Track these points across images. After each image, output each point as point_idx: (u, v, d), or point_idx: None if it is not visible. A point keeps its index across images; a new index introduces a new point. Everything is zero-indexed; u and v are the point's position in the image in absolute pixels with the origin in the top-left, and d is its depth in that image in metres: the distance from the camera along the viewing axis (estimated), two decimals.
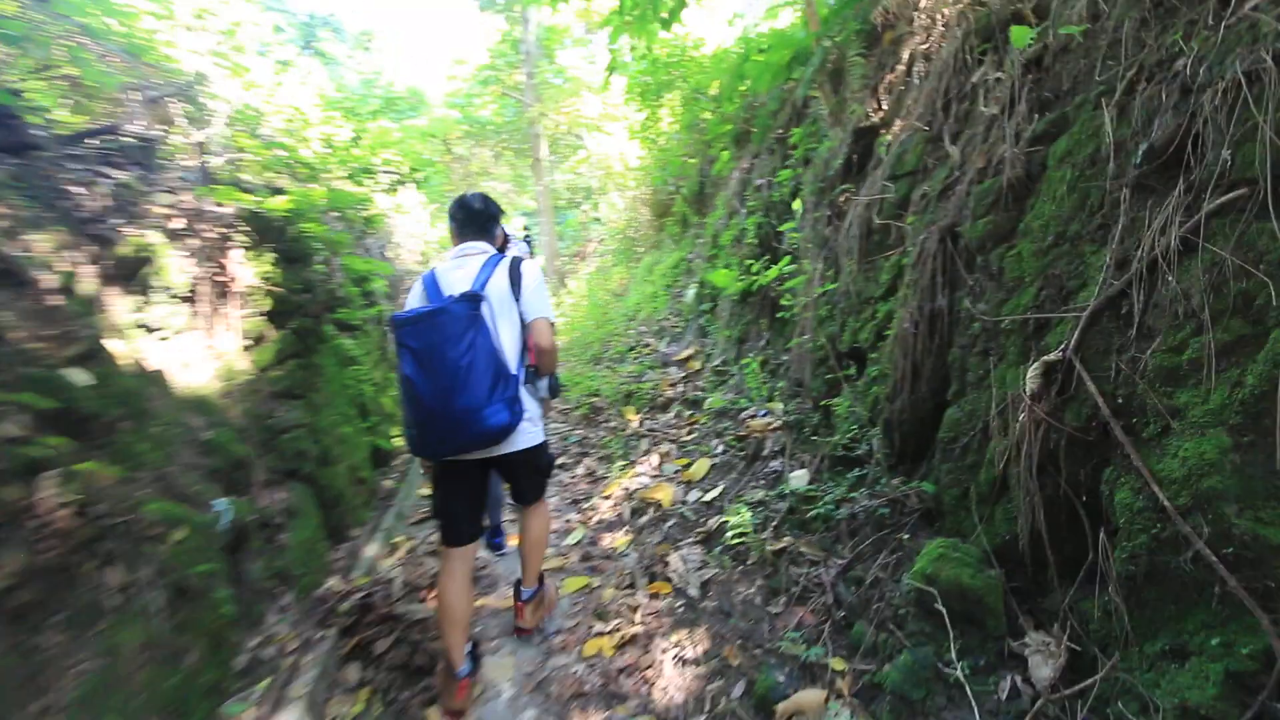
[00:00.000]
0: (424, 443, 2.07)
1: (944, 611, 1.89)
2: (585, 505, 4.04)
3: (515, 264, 2.27)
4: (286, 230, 3.44)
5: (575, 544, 3.56)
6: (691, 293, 6.00)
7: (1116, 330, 1.70)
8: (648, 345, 6.40)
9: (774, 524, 2.86)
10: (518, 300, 2.22)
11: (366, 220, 4.00)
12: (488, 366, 2.01)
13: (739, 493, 3.33)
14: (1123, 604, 1.56)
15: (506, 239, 3.26)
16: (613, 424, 5.22)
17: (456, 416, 1.98)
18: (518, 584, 2.57)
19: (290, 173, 3.67)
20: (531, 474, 2.41)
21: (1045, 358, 1.84)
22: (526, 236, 4.96)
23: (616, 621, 2.74)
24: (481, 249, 2.32)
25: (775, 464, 3.34)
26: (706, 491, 3.49)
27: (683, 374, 5.36)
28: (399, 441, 5.06)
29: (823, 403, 3.17)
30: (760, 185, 4.88)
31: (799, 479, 3.00)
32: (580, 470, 4.65)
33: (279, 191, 3.54)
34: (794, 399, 3.54)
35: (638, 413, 5.08)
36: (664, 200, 9.01)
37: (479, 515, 2.40)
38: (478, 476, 2.27)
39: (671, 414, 4.78)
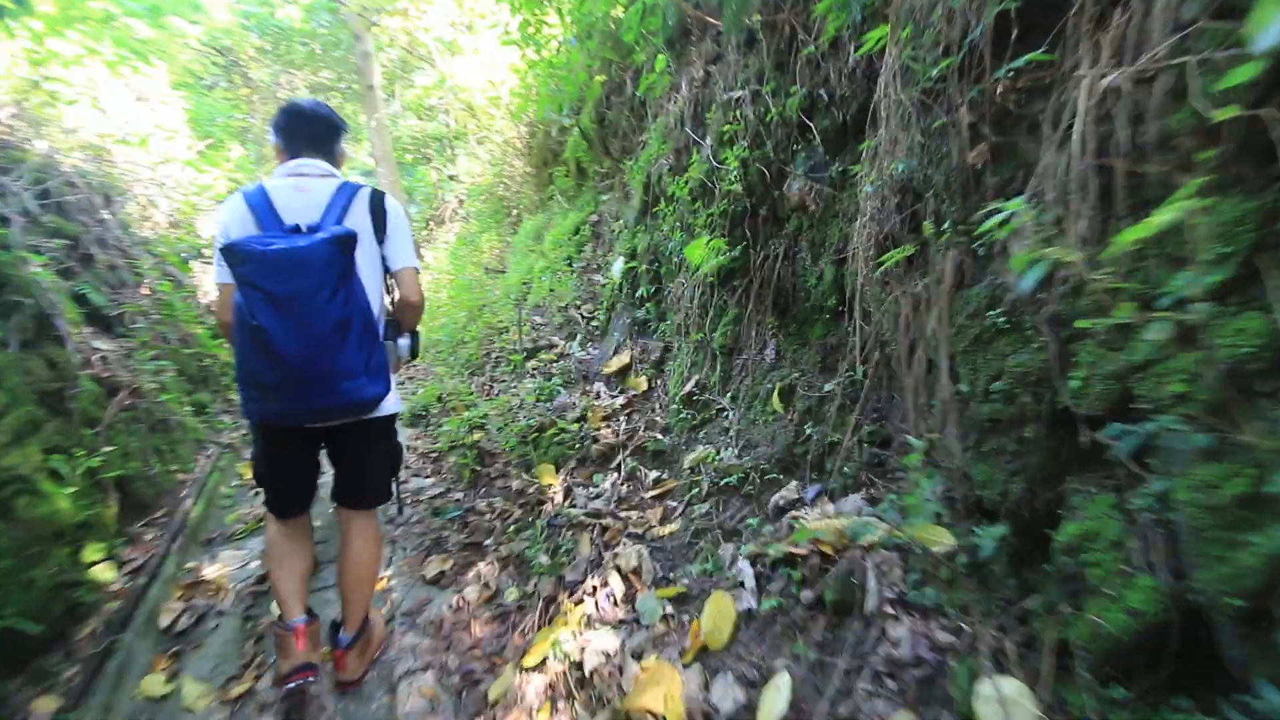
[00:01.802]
0: (281, 410, 1.69)
1: None
2: (491, 693, 2.10)
3: (377, 198, 1.90)
4: None
5: None
6: (618, 267, 4.10)
7: None
8: (553, 347, 4.40)
9: None
10: (380, 244, 1.90)
11: None
12: (364, 325, 1.71)
13: (838, 710, 1.59)
14: None
15: None
16: (515, 486, 3.25)
17: (329, 381, 1.65)
18: (334, 627, 2.05)
19: None
20: (382, 451, 2.06)
21: None
22: None
23: None
24: (323, 170, 1.89)
25: (899, 635, 1.64)
26: (753, 689, 1.72)
27: (621, 398, 3.50)
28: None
29: (1035, 524, 1.48)
30: (739, 99, 3.08)
31: (1017, 710, 1.33)
32: (470, 590, 2.66)
33: None
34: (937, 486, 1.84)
35: (558, 470, 3.16)
36: (549, 145, 6.88)
37: (315, 482, 2.07)
38: (319, 441, 1.99)
39: (619, 474, 2.92)
